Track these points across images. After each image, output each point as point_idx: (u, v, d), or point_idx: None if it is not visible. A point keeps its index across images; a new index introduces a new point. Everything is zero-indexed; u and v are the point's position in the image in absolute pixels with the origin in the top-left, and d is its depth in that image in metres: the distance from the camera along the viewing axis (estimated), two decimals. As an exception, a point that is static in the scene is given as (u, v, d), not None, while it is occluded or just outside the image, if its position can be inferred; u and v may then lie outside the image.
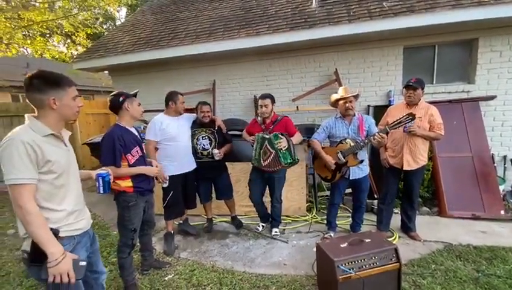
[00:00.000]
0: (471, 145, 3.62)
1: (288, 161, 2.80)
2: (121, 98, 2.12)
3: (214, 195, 3.35)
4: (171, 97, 2.90)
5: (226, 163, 3.36)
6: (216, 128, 3.10)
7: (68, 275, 1.21)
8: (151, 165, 2.29)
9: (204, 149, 3.05)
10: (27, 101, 1.33)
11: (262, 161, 2.86)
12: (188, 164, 2.98)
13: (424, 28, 3.64)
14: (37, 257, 1.20)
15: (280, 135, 2.80)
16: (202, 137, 3.06)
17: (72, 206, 1.38)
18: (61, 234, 1.29)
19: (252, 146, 3.00)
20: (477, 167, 3.52)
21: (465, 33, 3.83)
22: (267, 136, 2.83)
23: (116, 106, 2.13)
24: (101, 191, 1.66)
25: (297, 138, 2.98)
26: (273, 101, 2.98)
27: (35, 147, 1.21)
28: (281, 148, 2.75)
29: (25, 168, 1.18)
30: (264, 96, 2.96)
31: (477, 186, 3.43)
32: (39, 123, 1.29)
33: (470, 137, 3.65)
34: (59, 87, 1.32)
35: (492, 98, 3.83)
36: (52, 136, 1.32)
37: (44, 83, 1.29)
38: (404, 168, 2.78)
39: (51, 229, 1.24)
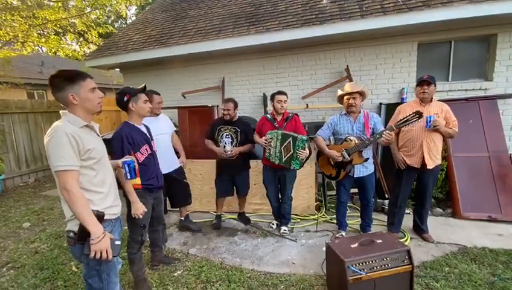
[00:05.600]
0: (488, 145, 3.49)
1: (296, 167, 2.85)
2: (125, 98, 2.10)
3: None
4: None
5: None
6: (240, 127, 3.13)
7: (106, 252, 1.37)
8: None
9: (225, 147, 3.10)
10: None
11: (283, 157, 2.84)
12: (167, 165, 2.86)
13: (440, 24, 3.53)
14: (83, 235, 1.35)
15: (306, 142, 2.77)
16: (226, 135, 3.11)
17: (111, 189, 1.55)
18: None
19: (265, 146, 2.96)
20: (494, 168, 3.39)
21: (483, 28, 3.69)
22: (295, 135, 2.79)
23: (122, 105, 2.14)
24: (129, 177, 1.75)
25: None
26: (287, 98, 3.04)
27: (77, 138, 1.34)
28: (299, 156, 2.77)
29: (69, 156, 1.32)
30: (283, 92, 3.00)
31: (494, 188, 3.31)
32: (74, 116, 1.42)
33: (487, 136, 3.52)
34: (73, 82, 1.40)
35: (511, 96, 3.68)
36: (86, 127, 1.45)
37: (61, 81, 1.39)
38: (428, 167, 2.67)
39: (98, 211, 1.40)
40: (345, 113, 2.80)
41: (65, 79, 1.39)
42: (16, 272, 2.68)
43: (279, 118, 3.03)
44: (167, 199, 3.13)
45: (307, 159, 2.87)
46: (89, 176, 1.43)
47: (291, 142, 2.79)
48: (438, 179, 3.35)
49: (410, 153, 2.77)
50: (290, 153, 2.80)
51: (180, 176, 3.09)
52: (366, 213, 2.94)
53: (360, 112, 2.74)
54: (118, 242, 1.45)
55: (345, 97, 2.75)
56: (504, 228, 3.01)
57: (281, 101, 2.95)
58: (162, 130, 2.89)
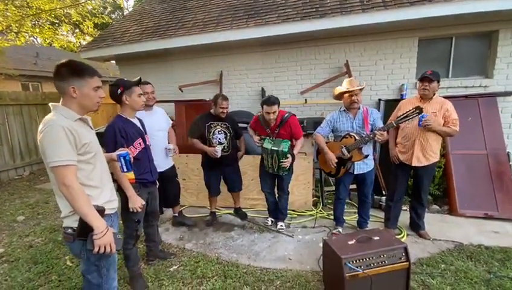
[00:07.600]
0: (486, 142, 3.48)
1: (286, 173, 2.93)
2: (119, 90, 2.04)
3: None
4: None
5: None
6: (229, 122, 3.08)
7: (110, 246, 1.35)
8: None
9: (220, 143, 3.04)
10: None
11: (275, 168, 2.86)
12: (163, 163, 2.76)
13: (441, 19, 3.48)
14: (84, 231, 1.32)
15: (287, 154, 2.74)
16: (218, 131, 3.04)
17: (107, 183, 1.52)
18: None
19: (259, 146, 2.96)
20: (491, 165, 3.39)
21: (484, 25, 3.65)
22: (276, 149, 2.75)
23: (115, 98, 2.08)
24: (125, 170, 1.71)
25: (300, 145, 2.90)
26: (279, 105, 2.79)
27: (73, 132, 1.29)
28: (284, 166, 2.78)
29: (66, 151, 1.27)
30: (272, 103, 2.69)
31: (491, 185, 3.31)
32: (66, 109, 1.35)
33: (486, 134, 3.51)
34: (80, 76, 1.35)
35: (511, 93, 3.66)
36: (80, 120, 1.40)
37: (67, 71, 1.34)
38: (413, 165, 2.69)
39: (98, 206, 1.37)
40: (344, 110, 2.76)
41: (73, 71, 1.33)
42: (9, 265, 2.65)
43: (272, 123, 2.88)
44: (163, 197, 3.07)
45: (292, 163, 2.87)
46: (86, 171, 1.38)
47: (275, 156, 2.79)
48: (434, 176, 3.35)
49: (404, 150, 2.77)
50: (277, 164, 2.82)
51: (173, 175, 3.00)
52: (364, 209, 2.93)
53: (359, 108, 2.71)
54: (120, 236, 1.45)
55: (346, 94, 2.68)
56: (500, 226, 3.02)
57: (270, 112, 2.72)
58: (159, 126, 2.72)
